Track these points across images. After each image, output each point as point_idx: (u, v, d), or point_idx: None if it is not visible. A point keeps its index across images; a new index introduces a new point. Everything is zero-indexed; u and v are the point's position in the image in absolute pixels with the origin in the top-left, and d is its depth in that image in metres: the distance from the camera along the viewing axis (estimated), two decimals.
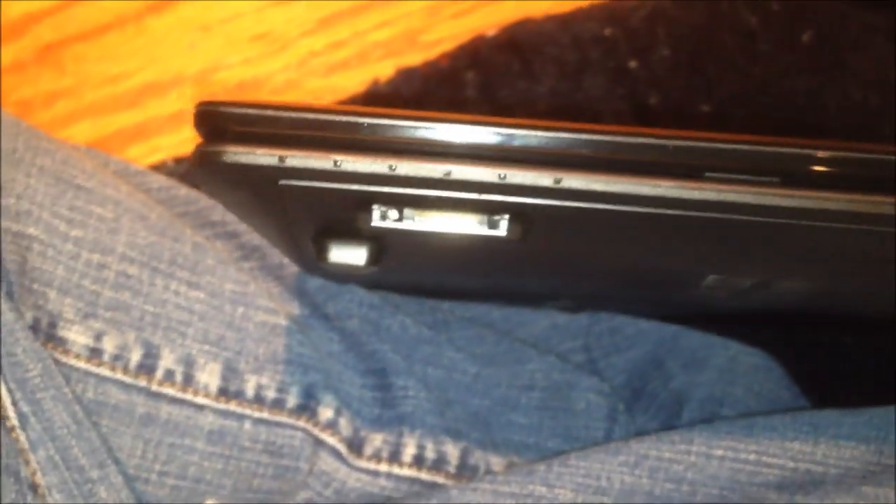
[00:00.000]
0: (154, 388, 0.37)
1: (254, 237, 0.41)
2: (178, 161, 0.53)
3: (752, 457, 0.36)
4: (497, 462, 0.40)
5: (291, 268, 0.41)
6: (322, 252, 0.29)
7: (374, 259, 0.29)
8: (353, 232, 0.28)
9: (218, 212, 0.42)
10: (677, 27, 0.50)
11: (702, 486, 0.37)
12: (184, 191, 0.42)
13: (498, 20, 0.54)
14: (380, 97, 0.53)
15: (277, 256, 0.41)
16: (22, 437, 0.35)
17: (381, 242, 0.29)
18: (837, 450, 0.37)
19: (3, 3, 0.54)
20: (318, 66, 0.55)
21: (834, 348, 0.47)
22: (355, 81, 0.54)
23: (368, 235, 0.28)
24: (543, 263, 0.33)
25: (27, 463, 0.35)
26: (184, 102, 0.54)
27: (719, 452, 0.37)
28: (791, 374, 0.44)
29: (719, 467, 0.37)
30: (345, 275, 0.36)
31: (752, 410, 0.41)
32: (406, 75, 0.52)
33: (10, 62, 0.54)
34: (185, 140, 0.54)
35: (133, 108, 0.54)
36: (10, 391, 0.35)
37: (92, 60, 0.54)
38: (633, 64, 0.50)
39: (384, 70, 0.53)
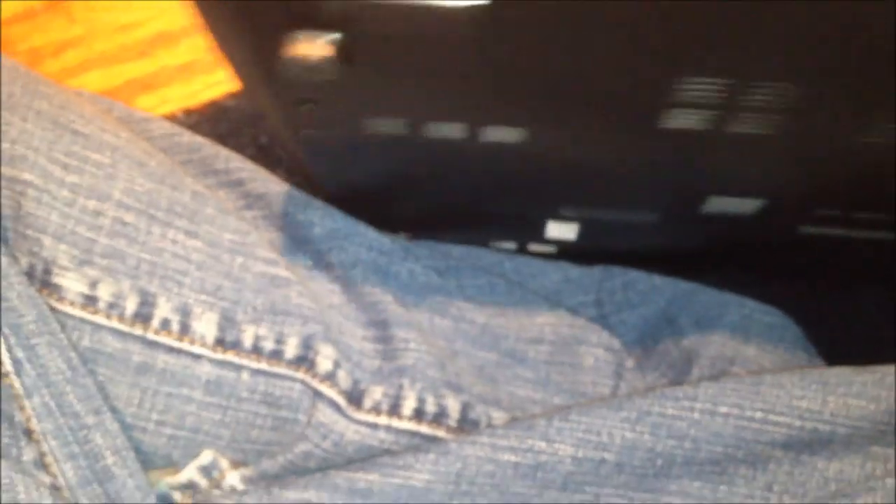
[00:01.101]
0: (150, 336, 0.37)
1: (258, 185, 0.41)
2: (188, 113, 0.53)
3: (758, 414, 0.36)
4: (499, 417, 0.39)
5: (296, 216, 0.40)
6: (283, 46, 0.24)
7: (343, 53, 0.25)
8: (320, 19, 0.24)
9: (221, 160, 0.41)
10: None
11: (705, 444, 0.36)
12: (187, 138, 0.41)
13: None
14: None
15: (282, 205, 0.40)
16: (17, 383, 0.35)
17: (350, 31, 0.25)
18: (847, 409, 0.36)
19: None
20: None
21: (853, 308, 0.45)
22: None
23: (337, 19, 0.25)
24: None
25: (22, 409, 0.35)
26: (194, 53, 0.54)
27: (724, 409, 0.36)
28: (808, 334, 0.43)
29: (724, 424, 0.36)
30: (310, 86, 0.29)
31: (763, 370, 0.40)
32: None
33: (20, 11, 0.54)
34: (194, 91, 0.53)
35: (143, 59, 0.53)
36: (4, 336, 0.34)
37: (102, 10, 0.53)
38: None
39: None
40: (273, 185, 0.41)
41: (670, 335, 0.42)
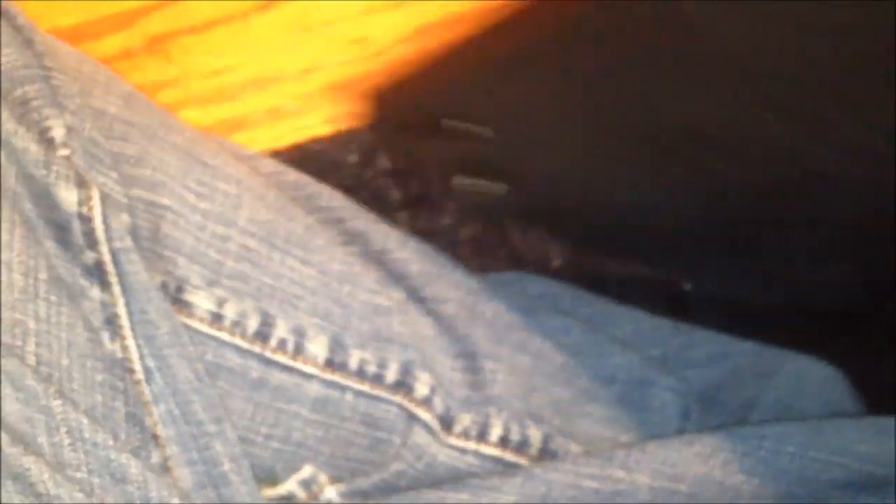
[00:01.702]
0: (268, 354, 0.40)
1: (358, 223, 0.44)
2: (275, 154, 0.56)
3: (820, 455, 0.39)
4: (576, 449, 0.42)
5: (392, 254, 0.44)
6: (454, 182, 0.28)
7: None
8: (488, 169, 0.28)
9: (325, 198, 0.45)
10: None
11: (771, 480, 0.39)
12: (293, 176, 0.45)
13: None
14: None
15: (380, 242, 0.44)
16: (146, 391, 0.38)
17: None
18: None
19: None
20: (410, 72, 0.58)
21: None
22: None
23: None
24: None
25: (150, 415, 0.38)
26: (282, 99, 0.57)
27: (790, 449, 0.39)
28: (857, 388, 0.46)
29: (789, 464, 0.39)
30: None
31: (819, 417, 0.44)
32: None
33: (119, 50, 0.57)
34: (281, 134, 0.57)
35: (234, 101, 0.57)
36: (138, 346, 0.37)
37: (198, 53, 0.57)
38: None
39: None
40: (371, 224, 0.45)
41: (731, 390, 0.45)
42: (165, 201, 0.39)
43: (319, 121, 0.57)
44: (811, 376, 0.45)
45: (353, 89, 0.58)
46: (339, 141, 0.56)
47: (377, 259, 0.44)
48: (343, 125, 0.56)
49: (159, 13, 0.57)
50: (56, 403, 0.33)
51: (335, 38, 0.58)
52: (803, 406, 0.43)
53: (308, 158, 0.56)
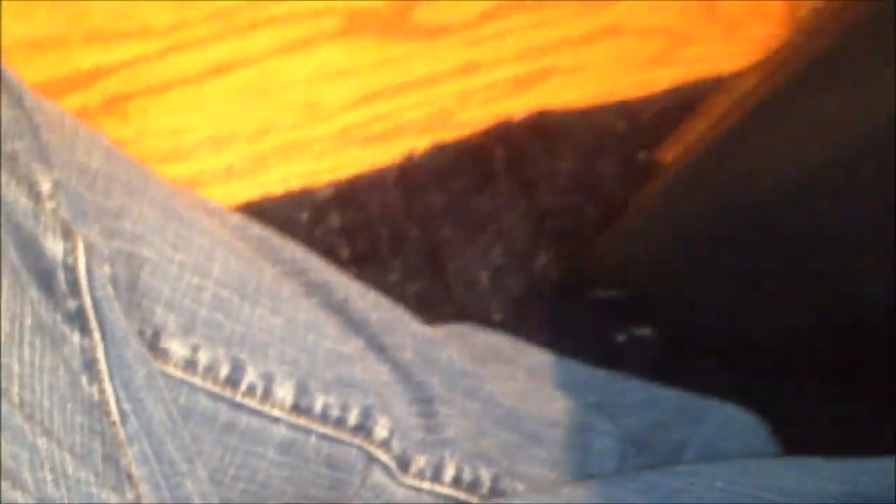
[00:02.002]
0: (237, 398, 0.42)
1: (320, 275, 0.47)
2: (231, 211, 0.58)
3: (748, 490, 0.43)
4: (523, 489, 0.45)
5: (353, 304, 0.46)
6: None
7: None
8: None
9: (288, 251, 0.47)
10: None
11: None
12: (257, 230, 0.48)
13: (523, 108, 0.61)
14: (414, 168, 0.59)
15: (341, 293, 0.46)
16: (122, 432, 0.39)
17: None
18: (820, 490, 0.43)
19: (76, 54, 0.60)
20: (358, 136, 0.61)
21: (813, 416, 0.53)
22: (391, 153, 0.60)
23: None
24: None
25: (125, 455, 0.39)
26: (235, 159, 0.60)
27: (720, 485, 0.43)
28: (776, 434, 0.50)
29: (719, 498, 0.42)
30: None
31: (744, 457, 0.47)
32: (440, 149, 0.59)
33: (77, 109, 0.59)
34: (235, 192, 0.59)
35: (189, 160, 0.59)
36: (115, 390, 0.39)
37: (155, 114, 0.60)
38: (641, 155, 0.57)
39: (419, 143, 0.60)
40: (332, 276, 0.47)
41: (662, 436, 0.49)
42: (145, 253, 0.41)
43: (272, 180, 0.60)
44: (734, 421, 0.49)
45: (304, 151, 0.61)
46: (292, 199, 0.58)
47: (338, 309, 0.46)
48: (295, 184, 0.59)
49: (118, 75, 0.60)
50: (41, 441, 0.35)
51: (287, 102, 0.61)
52: (728, 448, 0.47)
53: (261, 216, 0.58)
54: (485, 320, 0.55)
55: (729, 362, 0.51)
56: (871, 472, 0.43)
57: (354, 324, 0.46)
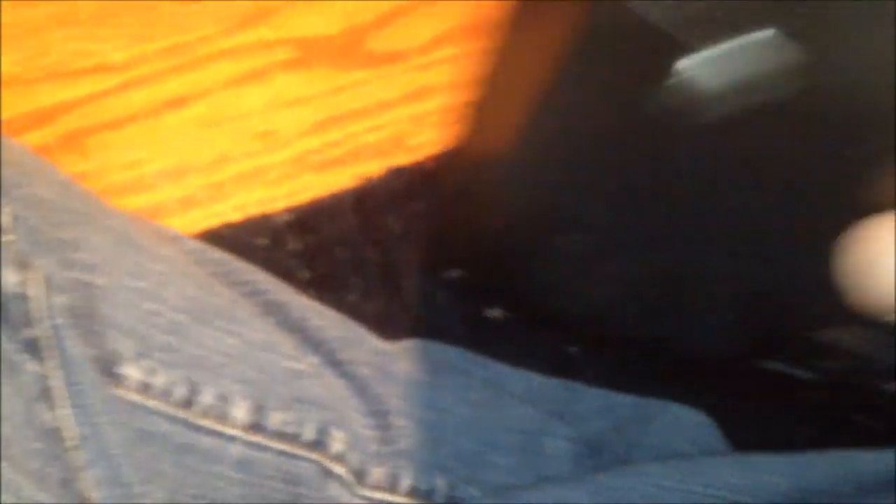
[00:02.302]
0: (194, 420, 0.43)
1: (277, 295, 0.48)
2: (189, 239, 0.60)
3: (698, 488, 0.44)
4: (479, 496, 0.46)
5: (310, 322, 0.47)
6: None
7: None
8: None
9: (245, 273, 0.49)
10: None
11: None
12: (215, 254, 0.49)
13: None
14: (370, 193, 0.61)
15: (298, 312, 0.47)
16: (78, 457, 0.40)
17: None
18: (768, 485, 0.44)
19: (36, 91, 0.61)
20: (314, 162, 0.62)
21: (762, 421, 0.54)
22: (347, 177, 0.61)
23: None
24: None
25: (82, 480, 0.40)
26: (193, 189, 0.61)
27: (670, 483, 0.44)
28: (725, 432, 0.52)
29: (670, 496, 0.44)
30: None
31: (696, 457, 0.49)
32: (395, 174, 0.60)
33: (37, 146, 0.60)
34: (194, 221, 0.60)
35: (148, 192, 0.60)
36: (71, 415, 0.40)
37: (114, 148, 0.61)
38: None
39: (374, 168, 0.61)
40: (289, 296, 0.49)
41: (616, 441, 0.50)
42: (100, 282, 0.42)
43: (230, 208, 0.61)
44: (686, 421, 0.50)
45: (260, 177, 0.62)
46: (250, 226, 0.60)
47: (296, 328, 0.48)
48: (253, 211, 0.60)
49: (77, 111, 0.61)
50: (4, 465, 0.36)
51: (243, 131, 0.62)
52: (680, 447, 0.49)
53: (220, 243, 0.59)
54: (442, 336, 0.56)
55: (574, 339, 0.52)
56: (818, 465, 0.45)
57: (311, 341, 0.47)
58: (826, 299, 0.34)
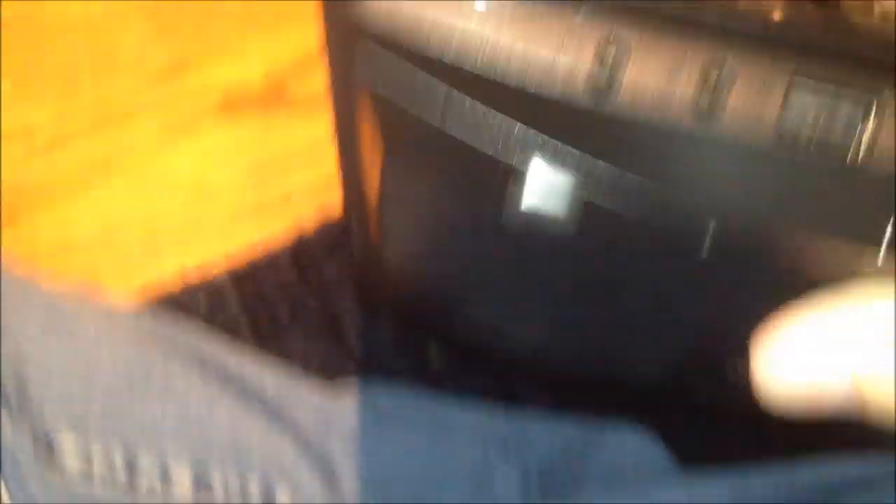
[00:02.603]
0: (135, 488, 0.43)
1: (215, 354, 0.48)
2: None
3: None
4: None
5: (249, 377, 0.47)
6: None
7: None
8: None
9: (181, 335, 0.48)
10: None
11: None
12: (151, 319, 0.49)
13: None
14: (305, 244, 0.61)
15: (236, 367, 0.47)
16: None
17: None
18: (710, 500, 0.45)
19: None
20: (248, 212, 0.62)
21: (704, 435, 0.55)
22: (283, 222, 0.61)
23: None
24: None
25: None
26: (129, 250, 0.61)
27: None
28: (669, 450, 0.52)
29: None
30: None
31: (642, 478, 0.49)
32: (328, 225, 0.60)
33: None
34: (130, 281, 0.60)
35: (82, 255, 0.60)
36: (8, 489, 0.40)
37: (43, 212, 0.60)
38: None
39: (310, 211, 0.61)
40: (228, 355, 0.49)
41: (564, 459, 0.51)
42: (31, 366, 0.42)
43: (167, 268, 0.60)
44: (632, 441, 0.51)
45: (197, 235, 0.62)
46: (188, 284, 0.59)
47: (236, 385, 0.48)
48: (190, 269, 0.60)
49: (2, 175, 0.60)
50: None
51: (175, 187, 0.62)
52: (627, 468, 0.49)
53: (159, 303, 0.59)
54: (387, 377, 0.56)
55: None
56: (759, 479, 0.45)
57: (251, 396, 0.47)
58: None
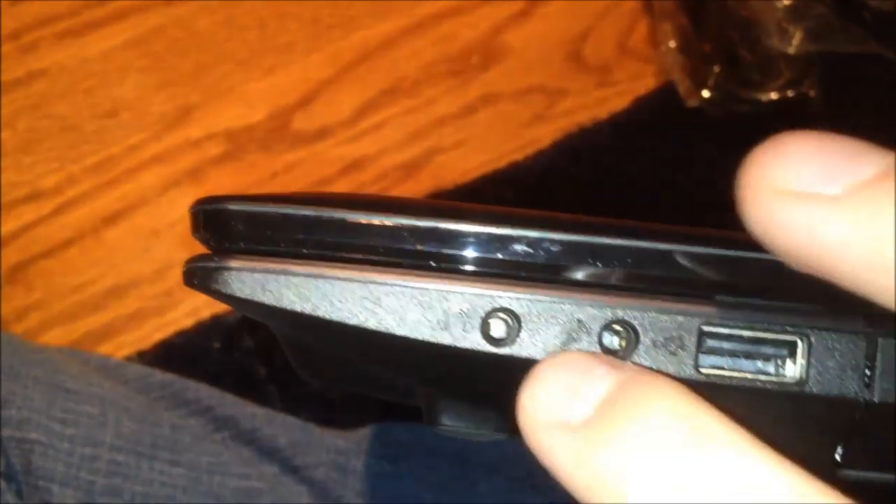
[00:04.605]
0: None
1: (226, 409, 0.47)
2: (142, 354, 0.59)
3: None
4: None
5: (261, 431, 0.47)
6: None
7: None
8: None
9: (192, 391, 0.48)
10: None
11: None
12: (159, 377, 0.48)
13: (414, 192, 0.62)
14: None
15: (248, 423, 0.47)
16: None
17: None
18: None
19: None
20: None
21: None
22: None
23: None
24: None
25: None
26: (142, 301, 0.61)
27: None
28: None
29: None
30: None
31: None
32: None
33: None
34: (147, 334, 0.60)
35: (98, 312, 0.60)
36: None
37: (57, 274, 0.61)
38: None
39: None
40: (238, 408, 0.48)
41: None
42: (33, 436, 0.42)
43: (181, 315, 0.61)
44: None
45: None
46: (202, 330, 0.59)
47: (247, 439, 0.47)
48: (204, 314, 0.60)
49: (15, 243, 0.61)
50: None
51: (184, 235, 0.62)
52: None
53: (174, 353, 0.59)
54: (411, 411, 0.55)
55: None
56: None
57: (265, 451, 0.47)
58: None
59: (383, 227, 0.22)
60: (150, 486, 0.43)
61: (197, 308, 0.61)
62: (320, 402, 0.57)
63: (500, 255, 0.22)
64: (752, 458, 0.15)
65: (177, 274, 0.62)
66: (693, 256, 0.21)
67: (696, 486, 0.14)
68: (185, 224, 0.64)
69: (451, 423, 0.26)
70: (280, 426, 0.48)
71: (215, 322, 0.60)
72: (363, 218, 0.21)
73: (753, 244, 0.21)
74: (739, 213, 0.16)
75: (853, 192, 0.15)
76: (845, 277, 0.15)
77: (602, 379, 0.16)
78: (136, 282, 0.61)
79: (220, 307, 0.60)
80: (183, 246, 0.62)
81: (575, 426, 0.16)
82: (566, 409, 0.16)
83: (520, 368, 0.21)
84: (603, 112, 0.64)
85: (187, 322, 0.60)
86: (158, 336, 0.59)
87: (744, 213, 0.15)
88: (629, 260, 0.21)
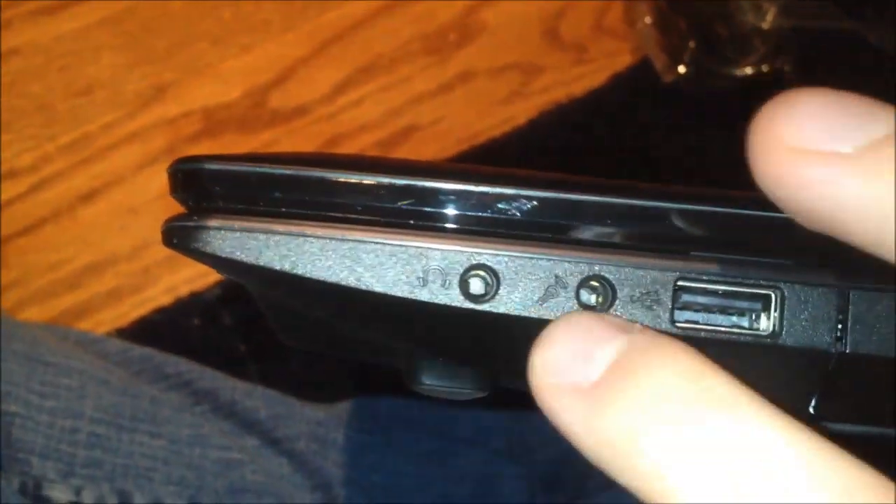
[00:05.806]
0: None
1: (205, 383, 0.47)
2: (120, 332, 0.59)
3: None
4: None
5: (241, 404, 0.47)
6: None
7: None
8: None
9: (171, 365, 0.48)
10: None
11: None
12: (138, 351, 0.48)
13: None
14: None
15: (228, 396, 0.47)
16: None
17: None
18: None
19: None
20: None
21: None
22: None
23: None
24: None
25: None
26: (119, 279, 0.61)
27: None
28: None
29: None
30: None
31: None
32: None
33: None
34: (125, 312, 0.60)
35: (75, 290, 0.60)
36: None
37: (34, 252, 0.60)
38: None
39: None
40: (218, 381, 0.48)
41: (568, 466, 0.50)
42: (13, 408, 0.42)
43: (159, 292, 0.60)
44: None
45: (186, 259, 0.62)
46: (181, 307, 0.59)
47: (227, 412, 0.47)
48: (183, 291, 0.60)
49: None
50: None
51: (160, 212, 0.61)
52: None
53: (153, 330, 0.59)
54: (393, 385, 0.56)
55: None
56: None
57: (245, 424, 0.47)
58: None
59: (361, 186, 0.22)
60: (131, 457, 0.43)
61: (175, 285, 0.60)
62: (300, 379, 0.57)
63: (478, 213, 0.22)
64: (760, 419, 0.15)
65: (154, 251, 0.62)
66: (668, 212, 0.22)
67: (705, 446, 0.14)
68: (163, 202, 0.64)
69: (431, 382, 0.26)
70: (260, 399, 0.48)
71: (194, 299, 0.59)
72: (341, 176, 0.21)
73: (728, 200, 0.22)
74: (750, 169, 0.16)
75: (867, 150, 0.15)
76: (857, 236, 0.15)
77: (612, 341, 0.16)
78: (114, 259, 0.61)
79: (199, 284, 0.60)
80: (160, 223, 0.61)
81: (585, 388, 0.16)
82: (577, 372, 0.16)
83: (499, 324, 0.21)
84: (580, 89, 0.64)
85: (166, 299, 0.60)
86: (136, 314, 0.59)
87: (755, 171, 0.15)
88: (606, 216, 0.22)
